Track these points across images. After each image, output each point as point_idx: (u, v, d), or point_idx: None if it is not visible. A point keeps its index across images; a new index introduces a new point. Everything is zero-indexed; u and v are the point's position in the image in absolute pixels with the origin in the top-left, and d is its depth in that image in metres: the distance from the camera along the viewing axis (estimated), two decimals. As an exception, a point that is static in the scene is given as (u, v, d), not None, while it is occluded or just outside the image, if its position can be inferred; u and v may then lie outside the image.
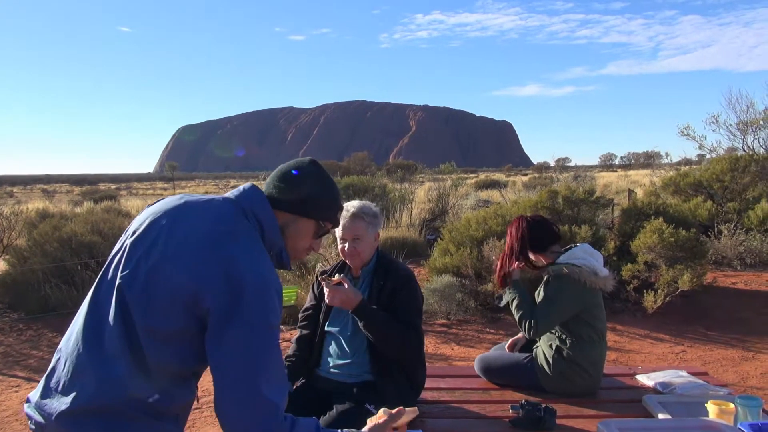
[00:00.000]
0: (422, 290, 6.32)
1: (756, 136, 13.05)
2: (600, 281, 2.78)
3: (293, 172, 1.64)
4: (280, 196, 1.59)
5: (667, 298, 5.58)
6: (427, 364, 2.71)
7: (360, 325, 2.48)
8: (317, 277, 2.83)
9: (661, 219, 5.99)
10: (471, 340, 5.56)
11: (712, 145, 13.66)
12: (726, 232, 9.60)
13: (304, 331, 2.72)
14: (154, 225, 1.46)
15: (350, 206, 2.62)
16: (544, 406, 2.44)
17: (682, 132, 13.65)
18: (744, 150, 13.14)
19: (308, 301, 2.80)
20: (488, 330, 5.80)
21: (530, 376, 2.81)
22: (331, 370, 2.59)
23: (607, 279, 2.83)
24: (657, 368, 3.16)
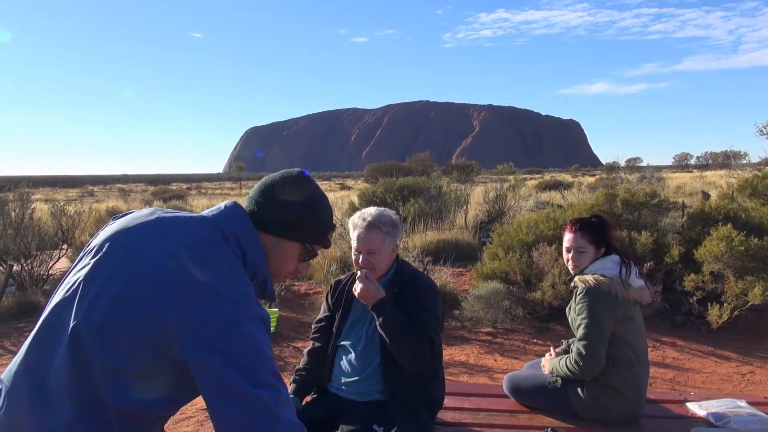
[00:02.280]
0: (468, 296, 6.09)
1: None
2: (633, 292, 2.51)
3: (278, 188, 1.43)
4: (263, 216, 1.40)
5: (735, 313, 5.09)
6: (460, 378, 2.50)
7: (377, 322, 2.30)
8: (332, 285, 2.68)
9: (729, 225, 5.47)
10: (516, 350, 5.27)
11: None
12: (809, 239, 8.80)
13: (317, 344, 2.58)
14: (117, 246, 1.28)
15: (366, 214, 2.42)
16: (573, 436, 2.20)
17: (761, 131, 12.68)
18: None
19: (322, 311, 2.65)
20: (535, 341, 5.49)
21: (562, 400, 2.55)
22: (342, 387, 2.43)
23: (643, 290, 2.55)
24: (712, 395, 2.83)
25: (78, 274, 1.27)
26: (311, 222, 1.45)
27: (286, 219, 1.41)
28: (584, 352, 2.43)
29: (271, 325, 1.74)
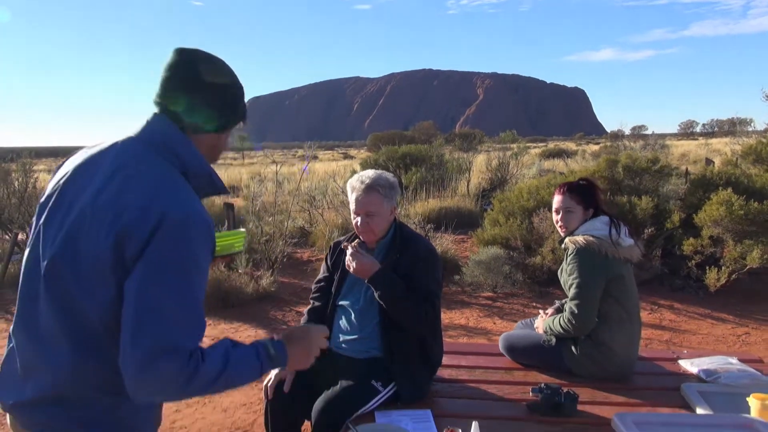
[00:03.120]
0: (468, 262, 6.14)
1: None
2: (623, 251, 2.54)
3: (197, 86, 1.29)
4: (192, 120, 1.30)
5: (733, 276, 5.13)
6: (459, 340, 2.55)
7: (375, 295, 2.34)
8: (331, 247, 2.71)
9: (730, 190, 5.48)
10: (515, 314, 5.34)
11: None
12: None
13: (316, 303, 2.62)
14: (65, 187, 1.29)
15: (365, 177, 2.43)
16: (565, 391, 2.25)
17: (767, 96, 12.53)
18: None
19: (321, 272, 2.70)
20: (535, 304, 5.55)
21: (556, 357, 2.61)
22: (341, 345, 2.49)
23: (632, 249, 2.59)
24: (704, 353, 2.87)
25: (39, 224, 1.30)
26: (238, 103, 1.38)
27: (216, 113, 1.33)
28: (576, 311, 2.48)
29: (239, 245, 1.77)
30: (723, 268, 5.10)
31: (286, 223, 7.12)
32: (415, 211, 10.24)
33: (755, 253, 4.98)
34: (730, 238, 5.33)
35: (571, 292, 2.53)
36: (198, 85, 1.30)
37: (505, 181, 13.75)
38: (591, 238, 2.51)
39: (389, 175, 2.51)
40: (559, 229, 2.71)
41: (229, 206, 7.92)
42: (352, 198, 2.44)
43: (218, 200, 12.20)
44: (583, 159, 25.76)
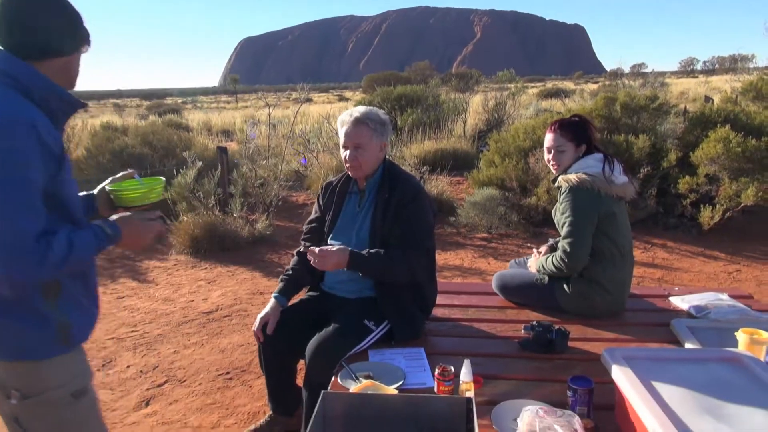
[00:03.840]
0: (464, 204, 6.13)
1: None
2: (617, 189, 2.52)
3: (22, 8, 1.36)
4: (31, 48, 1.37)
5: (727, 214, 5.14)
6: (453, 279, 2.55)
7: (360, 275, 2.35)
8: (322, 187, 2.69)
9: (728, 127, 5.41)
10: (510, 254, 5.37)
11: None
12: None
13: (307, 244, 2.61)
14: None
15: (355, 111, 2.41)
16: (556, 328, 2.28)
17: (771, 30, 12.20)
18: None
19: (313, 212, 2.68)
20: (529, 245, 5.58)
21: (548, 295, 2.63)
22: (334, 285, 2.49)
23: (626, 186, 2.57)
24: (695, 290, 2.90)
25: None
26: (76, 27, 1.44)
27: (55, 39, 1.40)
28: (569, 249, 2.47)
29: (155, 195, 1.76)
30: (717, 206, 5.10)
31: (280, 167, 7.06)
32: (410, 153, 10.16)
33: (750, 191, 4.97)
34: (726, 176, 5.31)
35: (564, 231, 2.52)
36: (29, 16, 1.36)
37: (502, 121, 13.58)
38: (584, 176, 2.48)
39: (380, 112, 2.47)
40: (551, 168, 2.68)
41: (223, 150, 7.82)
42: (341, 132, 2.42)
43: (212, 144, 12.08)
44: (581, 98, 25.37)
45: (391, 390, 1.85)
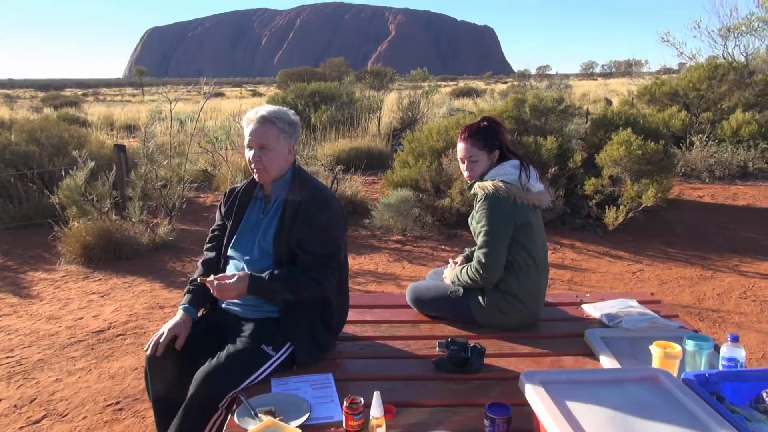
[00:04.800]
0: (378, 205, 6.00)
1: (737, 43, 12.54)
2: (533, 197, 2.45)
3: None
4: None
5: (630, 215, 5.33)
6: (369, 287, 2.39)
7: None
8: (226, 193, 2.45)
9: (629, 130, 5.61)
10: (425, 257, 5.30)
11: (691, 52, 13.13)
12: (698, 143, 9.35)
13: (210, 254, 2.37)
14: None
15: (262, 109, 2.20)
16: (471, 345, 2.16)
17: (662, 38, 13.05)
18: (724, 57, 12.64)
19: (216, 220, 2.44)
20: (443, 247, 5.55)
21: (463, 308, 2.52)
22: (231, 301, 2.25)
23: (542, 194, 2.50)
24: (606, 296, 2.91)
25: None
26: None
27: None
28: (484, 260, 2.38)
29: None
30: (621, 207, 5.27)
31: (183, 167, 6.63)
32: (323, 152, 9.96)
33: (650, 192, 5.17)
34: (628, 178, 5.51)
35: (479, 240, 2.42)
36: None
37: (416, 120, 13.64)
38: (500, 184, 2.39)
39: (290, 112, 2.27)
40: (465, 177, 2.58)
41: (120, 148, 7.25)
42: (246, 131, 2.20)
43: (111, 141, 11.26)
44: (491, 98, 26.18)
45: (294, 430, 1.65)
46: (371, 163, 9.72)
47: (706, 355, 1.92)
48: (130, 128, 18.66)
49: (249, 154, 2.19)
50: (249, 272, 2.13)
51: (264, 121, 2.16)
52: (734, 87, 11.63)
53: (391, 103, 15.75)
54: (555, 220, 5.87)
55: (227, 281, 2.09)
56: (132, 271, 5.16)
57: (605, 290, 4.32)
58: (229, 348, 2.05)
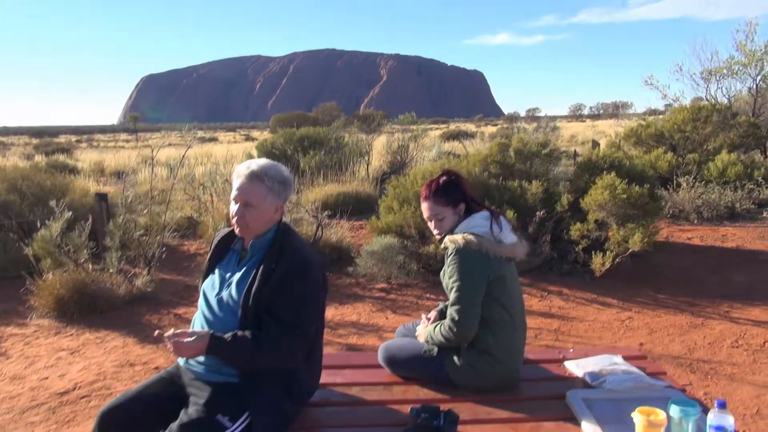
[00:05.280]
0: (363, 252, 5.87)
1: (719, 86, 12.75)
2: (505, 249, 2.35)
3: None
4: None
5: (617, 260, 5.23)
6: (350, 339, 2.24)
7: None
8: (213, 241, 2.34)
9: (613, 174, 5.57)
10: (409, 307, 5.15)
11: (675, 94, 13.33)
12: (684, 184, 9.35)
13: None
14: None
15: (253, 164, 2.11)
16: (444, 411, 2.02)
17: (646, 81, 13.27)
18: (707, 99, 12.83)
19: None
20: (428, 296, 5.41)
21: (438, 368, 2.38)
22: (191, 359, 2.10)
23: (515, 246, 2.40)
24: (590, 351, 2.77)
25: None
26: None
27: None
28: (457, 318, 2.26)
29: None
30: (607, 252, 5.17)
31: (164, 216, 6.51)
32: (313, 197, 9.90)
33: (636, 237, 5.09)
34: (614, 222, 5.43)
35: (452, 297, 2.31)
36: None
37: (405, 164, 13.66)
38: (471, 237, 2.30)
39: (283, 169, 2.17)
40: (435, 234, 2.50)
41: (102, 197, 7.15)
42: (235, 184, 2.12)
43: (99, 188, 11.17)
44: (481, 141, 26.42)
45: None
46: (360, 207, 9.65)
47: (693, 422, 1.79)
48: (120, 174, 18.64)
49: (233, 207, 2.11)
50: (210, 331, 1.99)
51: (252, 177, 2.07)
52: (719, 128, 11.75)
53: (380, 146, 15.82)
54: (542, 265, 5.77)
55: (185, 339, 1.95)
56: (106, 325, 4.98)
57: (593, 340, 4.18)
58: (183, 417, 1.90)
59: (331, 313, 5.08)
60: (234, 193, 2.09)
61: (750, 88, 12.64)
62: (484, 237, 2.31)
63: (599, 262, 5.13)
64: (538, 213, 5.84)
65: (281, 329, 1.99)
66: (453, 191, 2.44)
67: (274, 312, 2.01)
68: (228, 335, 1.96)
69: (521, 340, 2.44)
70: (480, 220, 2.38)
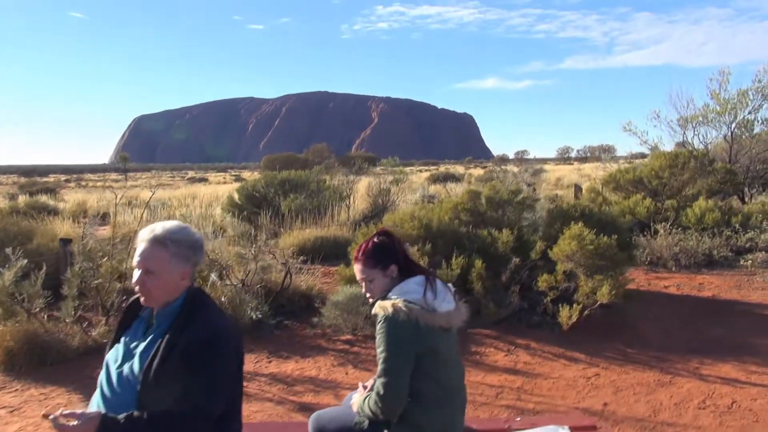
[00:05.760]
0: (328, 302, 5.72)
1: (696, 132, 12.91)
2: (440, 318, 2.20)
3: None
4: None
5: (586, 312, 5.09)
6: (305, 397, 2.08)
7: None
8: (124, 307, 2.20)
9: (581, 224, 5.49)
10: (371, 361, 4.96)
11: (653, 140, 13.46)
12: (662, 231, 9.31)
13: None
14: None
15: (157, 227, 1.98)
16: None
17: (625, 128, 13.43)
18: (684, 146, 12.96)
19: None
20: (393, 348, 5.21)
21: (369, 443, 2.21)
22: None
23: (451, 314, 2.26)
24: (537, 421, 2.62)
25: None
26: None
27: None
28: (383, 392, 2.11)
29: None
30: (575, 305, 5.05)
31: (126, 262, 6.33)
32: (287, 241, 9.78)
33: (605, 289, 4.97)
34: (582, 273, 5.32)
35: (379, 368, 2.16)
36: None
37: (386, 207, 13.61)
38: (400, 304, 2.16)
39: (192, 232, 2.03)
40: (368, 298, 2.37)
41: (66, 242, 6.99)
42: (137, 250, 1.97)
43: (73, 229, 10.98)
44: (468, 183, 26.56)
45: None
46: (338, 252, 9.51)
47: None
48: (103, 217, 18.45)
49: (135, 274, 1.97)
50: (101, 412, 1.83)
51: (154, 242, 1.95)
52: (696, 174, 11.83)
53: (363, 190, 15.78)
54: (511, 316, 5.62)
55: (72, 422, 1.78)
56: (54, 380, 4.74)
57: (556, 400, 4.00)
58: None
59: (291, 367, 4.89)
60: (135, 259, 1.96)
61: (725, 135, 12.81)
62: (416, 304, 2.18)
63: (566, 315, 5.00)
64: (513, 261, 5.75)
65: (182, 409, 1.83)
66: (384, 253, 2.32)
67: (176, 390, 1.84)
68: (122, 416, 1.80)
69: (458, 415, 2.28)
70: (413, 286, 2.25)
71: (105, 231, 13.78)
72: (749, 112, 12.50)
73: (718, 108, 12.30)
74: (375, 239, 2.35)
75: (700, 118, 12.53)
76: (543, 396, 4.06)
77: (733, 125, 12.54)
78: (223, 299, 5.91)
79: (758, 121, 12.58)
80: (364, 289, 2.35)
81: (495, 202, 6.68)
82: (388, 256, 2.31)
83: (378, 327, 2.19)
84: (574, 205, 6.52)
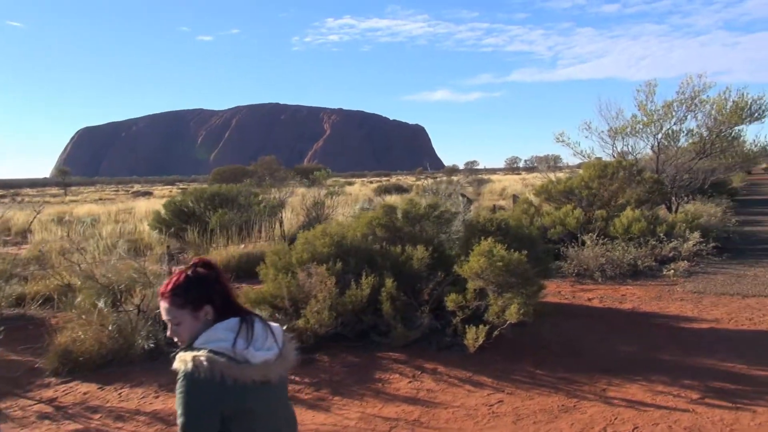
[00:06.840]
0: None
1: (625, 143, 13.09)
2: (254, 372, 1.81)
3: None
4: None
5: (495, 333, 4.86)
6: None
7: None
8: None
9: (491, 239, 5.26)
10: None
11: (585, 151, 13.58)
12: (589, 242, 9.27)
13: None
14: None
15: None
16: None
17: (557, 138, 13.50)
18: (614, 156, 13.12)
19: None
20: (297, 378, 4.84)
21: None
22: None
23: (269, 365, 1.85)
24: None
25: None
26: None
27: None
28: None
29: None
30: (481, 325, 4.80)
31: (5, 287, 5.76)
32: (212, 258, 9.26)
33: (514, 308, 4.75)
34: (492, 291, 5.09)
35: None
36: None
37: (319, 220, 13.24)
38: (202, 358, 1.76)
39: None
40: (178, 343, 1.95)
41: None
42: None
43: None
44: (415, 194, 26.45)
45: None
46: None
47: None
48: (24, 235, 17.38)
49: None
50: None
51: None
52: (625, 184, 11.96)
53: (297, 204, 15.36)
54: (421, 339, 5.34)
55: None
56: None
57: (452, 432, 3.72)
58: None
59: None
60: None
61: (652, 146, 13.03)
62: (222, 357, 1.78)
63: (472, 337, 4.74)
64: (433, 279, 5.49)
65: None
66: (197, 290, 1.88)
67: None
68: None
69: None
70: (222, 332, 1.84)
71: (22, 250, 12.94)
72: (674, 123, 12.75)
73: (644, 119, 12.50)
74: (189, 272, 1.94)
75: (628, 129, 12.70)
76: (439, 429, 3.76)
77: (659, 136, 12.77)
78: (110, 328, 5.43)
79: (683, 132, 12.86)
80: (169, 333, 1.93)
81: (411, 217, 6.41)
82: (202, 294, 1.89)
83: (177, 385, 1.80)
84: (489, 220, 6.31)
